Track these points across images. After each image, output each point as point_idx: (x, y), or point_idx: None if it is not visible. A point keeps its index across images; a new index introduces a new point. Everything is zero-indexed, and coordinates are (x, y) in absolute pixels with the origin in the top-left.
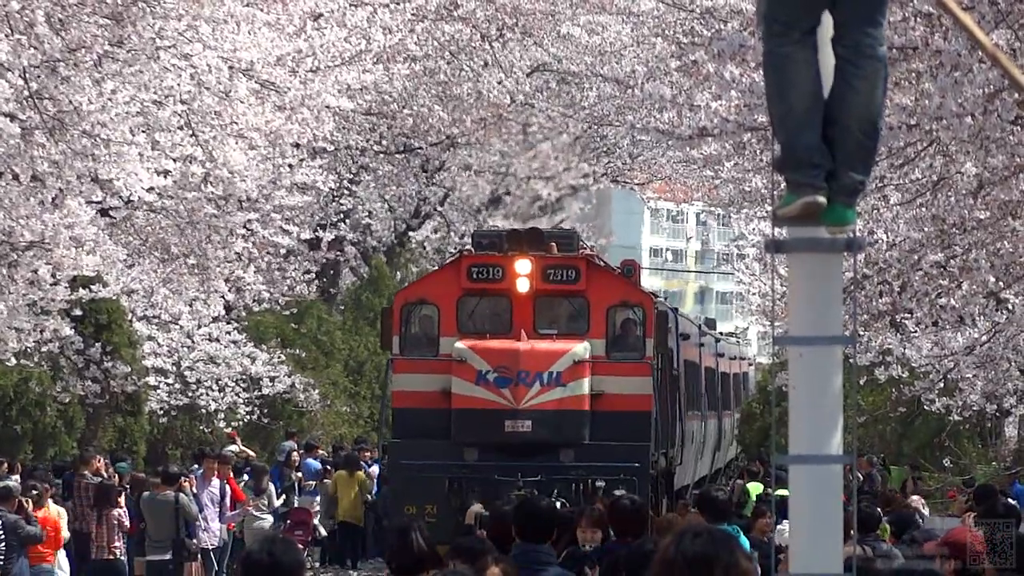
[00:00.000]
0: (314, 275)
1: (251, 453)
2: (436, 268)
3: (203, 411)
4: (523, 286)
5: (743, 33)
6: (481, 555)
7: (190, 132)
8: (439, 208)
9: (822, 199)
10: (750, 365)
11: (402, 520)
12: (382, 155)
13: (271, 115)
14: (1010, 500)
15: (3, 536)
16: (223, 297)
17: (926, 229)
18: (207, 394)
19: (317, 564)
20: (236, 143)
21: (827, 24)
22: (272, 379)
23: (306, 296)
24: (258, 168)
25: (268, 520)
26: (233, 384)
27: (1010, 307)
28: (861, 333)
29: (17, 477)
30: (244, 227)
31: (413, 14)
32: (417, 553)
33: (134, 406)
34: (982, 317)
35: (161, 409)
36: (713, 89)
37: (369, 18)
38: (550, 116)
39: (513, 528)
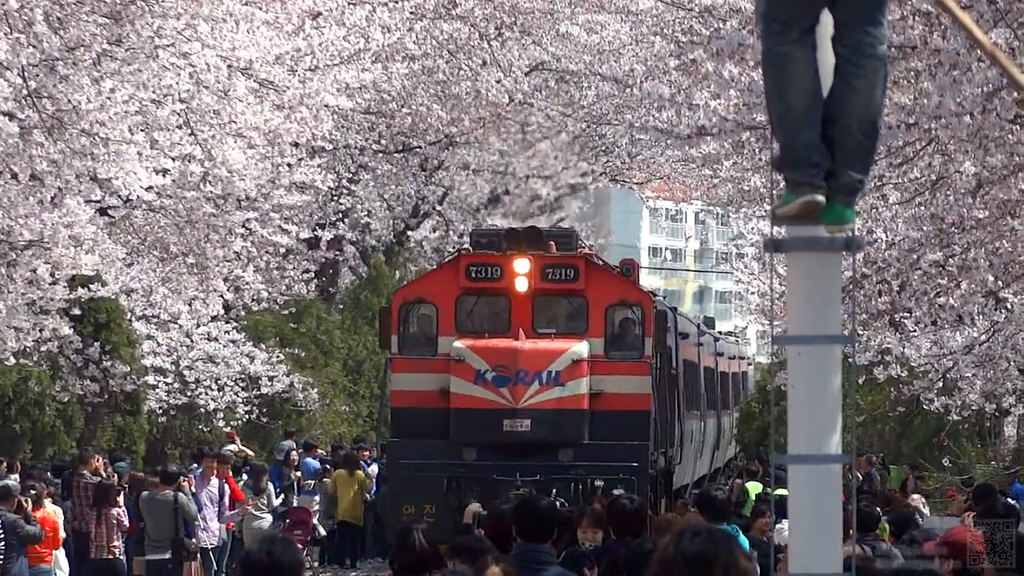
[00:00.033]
0: (313, 274)
1: (250, 452)
2: (435, 267)
3: (202, 410)
4: (522, 285)
5: (742, 32)
6: (480, 554)
7: (189, 131)
8: (438, 207)
9: (821, 198)
10: (749, 364)
11: (404, 520)
12: (381, 154)
13: (270, 114)
14: (1009, 500)
15: (2, 535)
16: (222, 296)
17: (925, 228)
18: (206, 393)
19: (316, 563)
20: (235, 142)
21: (827, 23)
22: (271, 378)
23: (305, 295)
24: (257, 167)
25: (267, 519)
26: (232, 383)
27: (1009, 306)
28: (860, 332)
29: (16, 476)
30: (243, 226)
31: (412, 13)
32: (419, 553)
33: (133, 405)
34: (981, 316)
35: (160, 408)
36: (712, 88)
37: (368, 17)
38: (549, 115)
39: (513, 527)
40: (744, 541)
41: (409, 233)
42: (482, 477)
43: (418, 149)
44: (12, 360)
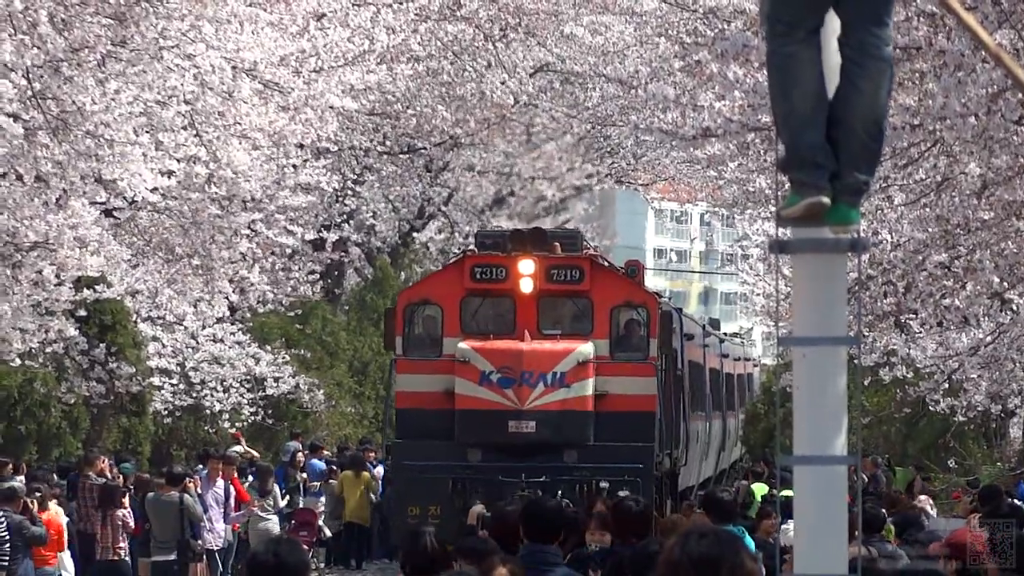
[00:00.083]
0: (318, 276)
1: (255, 454)
2: (440, 268)
3: (207, 412)
4: (527, 286)
5: (747, 33)
6: (486, 555)
7: (194, 132)
8: (443, 208)
9: (826, 199)
10: (754, 366)
11: (410, 523)
12: (386, 155)
13: (275, 115)
14: (1015, 500)
15: (8, 537)
16: (227, 298)
17: (930, 229)
18: (211, 395)
19: (322, 565)
20: (240, 143)
21: (834, 24)
22: (276, 380)
23: (310, 297)
24: (262, 168)
25: (273, 521)
26: (237, 385)
27: (1014, 307)
28: (865, 334)
29: (22, 478)
30: (248, 228)
31: (416, 14)
32: (430, 554)
33: (138, 407)
34: (986, 318)
35: (165, 410)
36: (717, 89)
37: (372, 18)
38: (554, 116)
39: (520, 528)
40: (750, 542)
41: (414, 234)
42: (487, 478)
43: (423, 150)
44: (18, 361)
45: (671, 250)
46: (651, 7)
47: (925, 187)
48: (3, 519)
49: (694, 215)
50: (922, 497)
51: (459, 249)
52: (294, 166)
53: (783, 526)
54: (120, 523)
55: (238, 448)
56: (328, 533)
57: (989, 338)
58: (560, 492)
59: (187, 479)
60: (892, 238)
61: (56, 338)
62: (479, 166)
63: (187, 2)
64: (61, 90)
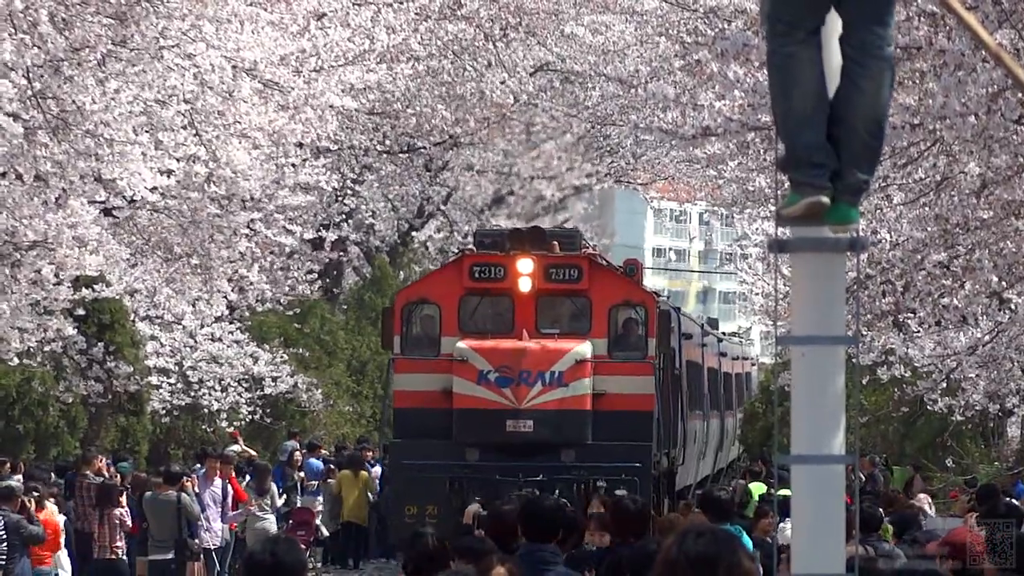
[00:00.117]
0: (317, 275)
1: (253, 453)
2: (438, 268)
3: (205, 411)
4: (525, 285)
5: (747, 32)
6: (484, 555)
7: (193, 132)
8: (442, 208)
9: (826, 199)
10: (753, 365)
11: (407, 521)
12: (385, 155)
13: (274, 115)
14: (1013, 500)
15: (5, 536)
16: (226, 297)
17: (929, 229)
18: (209, 394)
19: (319, 564)
20: (239, 143)
21: (835, 23)
22: (275, 379)
23: (309, 296)
24: (261, 168)
25: (270, 520)
26: (236, 384)
27: (1013, 307)
28: (864, 333)
29: (20, 477)
30: (247, 227)
31: (416, 13)
32: (432, 554)
33: (136, 406)
34: (985, 317)
35: (163, 409)
36: (717, 89)
37: (373, 18)
38: (553, 116)
39: (519, 527)
40: (747, 541)
41: (413, 234)
42: (484, 478)
43: (422, 150)
44: (16, 360)
45: (670, 249)
46: (651, 6)
47: (924, 186)
48: (1, 518)
49: (693, 214)
50: (921, 496)
51: (458, 248)
52: (293, 165)
53: (781, 525)
54: (118, 522)
55: (236, 447)
56: (326, 532)
57: (987, 337)
58: (557, 491)
59: (185, 478)
60: (891, 237)
61: (54, 337)
62: (478, 165)
63: (187, 2)
64: (61, 89)
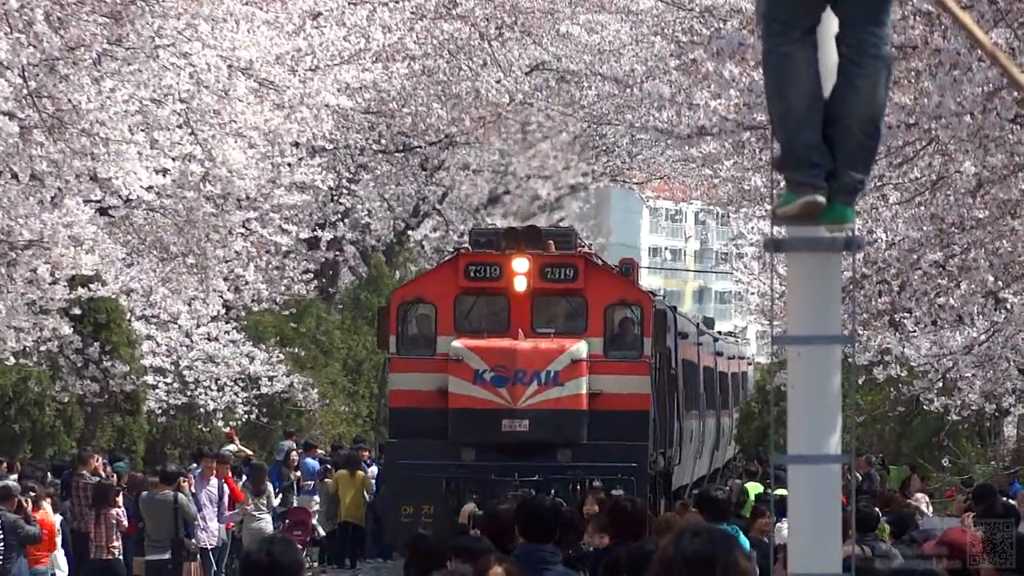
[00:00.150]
0: (313, 274)
1: (249, 452)
2: (434, 267)
3: (202, 410)
4: (521, 285)
5: (742, 32)
6: (480, 555)
7: (189, 131)
8: (438, 207)
9: (822, 198)
10: (749, 364)
11: (409, 522)
12: (381, 154)
13: (270, 114)
14: (1009, 500)
15: (2, 536)
16: (222, 296)
17: (925, 228)
18: (206, 393)
19: (316, 564)
20: (235, 142)
21: (832, 22)
22: (271, 378)
23: (305, 295)
24: (257, 167)
25: (266, 520)
26: (232, 383)
27: (1009, 306)
28: (860, 332)
29: (16, 476)
30: (243, 226)
31: (412, 13)
32: (432, 553)
33: (133, 405)
34: (981, 316)
35: (160, 408)
36: (712, 88)
37: (368, 17)
38: (549, 115)
39: (516, 527)
40: (744, 541)
41: (409, 233)
42: (480, 478)
43: (418, 149)
44: (12, 360)
45: (666, 248)
46: (647, 6)
47: (920, 186)
48: None
49: (689, 214)
50: (919, 495)
51: (454, 248)
52: (289, 165)
53: (777, 525)
54: (114, 522)
55: (232, 447)
56: (322, 532)
57: (983, 337)
58: (553, 491)
59: (181, 478)
60: (887, 237)
61: (50, 337)
62: (474, 164)
63: (183, 1)
64: (57, 88)
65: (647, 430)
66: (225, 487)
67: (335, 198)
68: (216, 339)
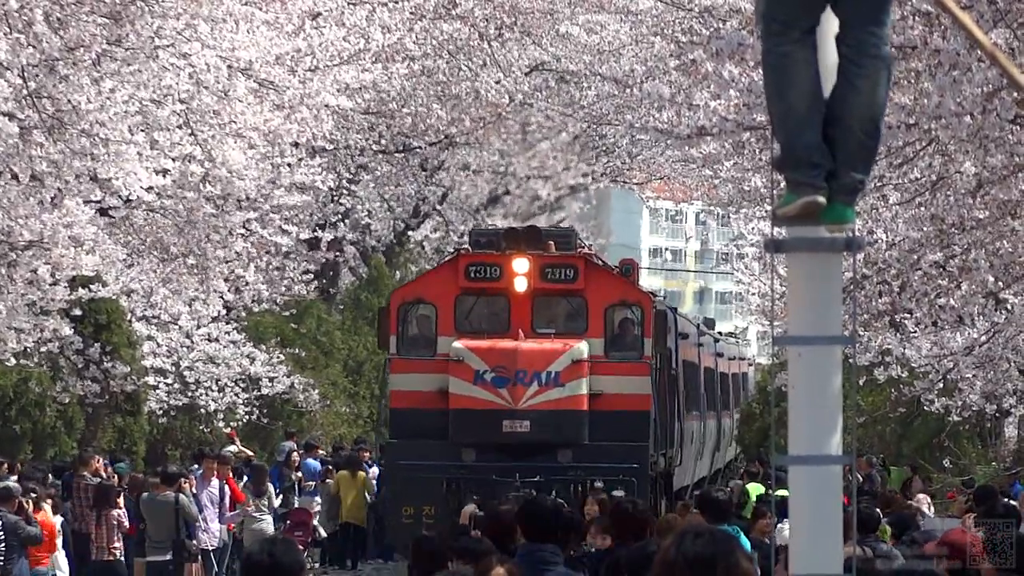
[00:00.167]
0: (313, 275)
1: (250, 453)
2: (434, 267)
3: (202, 411)
4: (521, 285)
5: (742, 32)
6: (481, 555)
7: (189, 131)
8: (438, 207)
9: (822, 199)
10: (749, 365)
11: (410, 523)
12: (381, 154)
13: (270, 114)
14: (1010, 500)
15: (3, 537)
16: (222, 297)
17: (925, 229)
18: (206, 394)
19: (317, 564)
20: (235, 142)
21: (832, 22)
22: (271, 379)
23: (305, 296)
24: (257, 167)
25: (268, 521)
26: (232, 384)
27: (1009, 307)
28: (860, 333)
29: (16, 477)
30: (243, 227)
31: (412, 13)
32: (436, 555)
33: (133, 406)
34: (981, 317)
35: (160, 409)
36: (712, 88)
37: (368, 17)
38: (549, 115)
39: (519, 528)
40: (745, 542)
41: (409, 233)
42: (481, 478)
43: (418, 149)
44: (12, 361)
45: (666, 249)
46: (647, 6)
47: (920, 186)
48: None
49: (689, 214)
50: (920, 496)
51: (454, 248)
52: (289, 165)
53: (778, 526)
54: (115, 523)
55: (233, 448)
56: (323, 533)
57: (984, 338)
58: (554, 492)
59: (182, 479)
60: (887, 237)
61: (51, 337)
62: (474, 165)
63: (183, 1)
64: (56, 89)
65: (648, 431)
66: (226, 488)
67: (335, 199)
68: (217, 340)
